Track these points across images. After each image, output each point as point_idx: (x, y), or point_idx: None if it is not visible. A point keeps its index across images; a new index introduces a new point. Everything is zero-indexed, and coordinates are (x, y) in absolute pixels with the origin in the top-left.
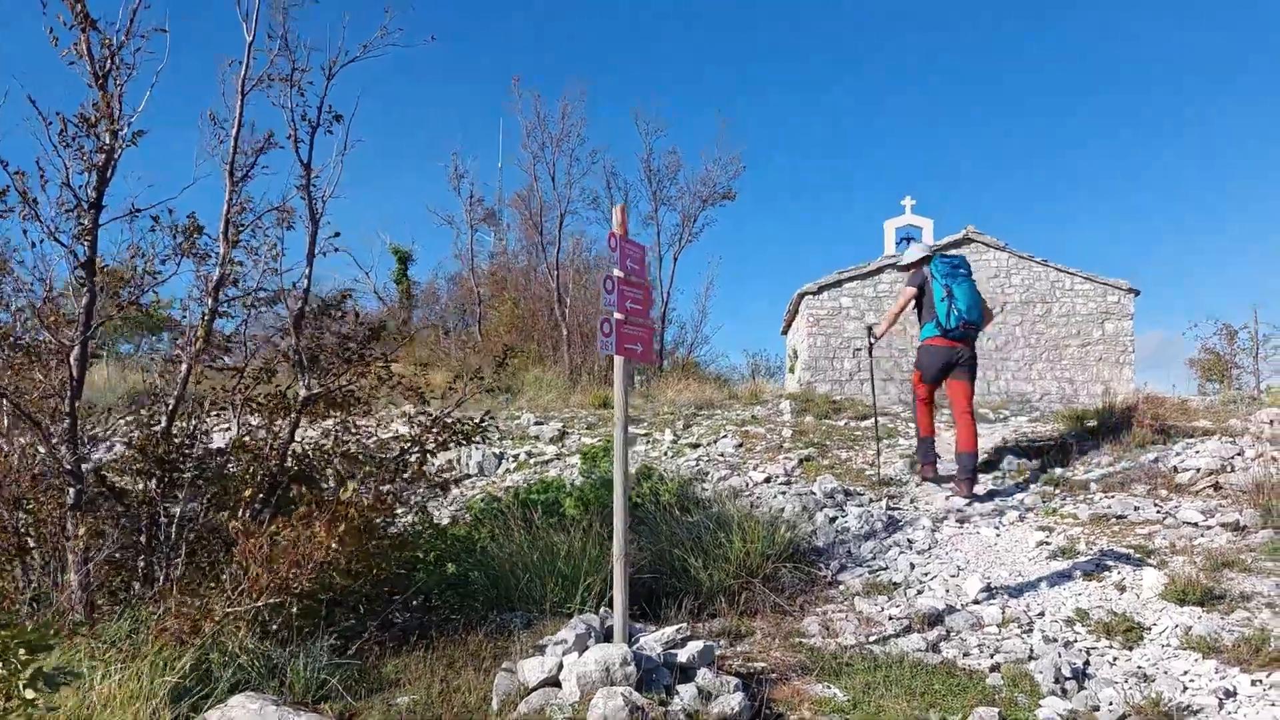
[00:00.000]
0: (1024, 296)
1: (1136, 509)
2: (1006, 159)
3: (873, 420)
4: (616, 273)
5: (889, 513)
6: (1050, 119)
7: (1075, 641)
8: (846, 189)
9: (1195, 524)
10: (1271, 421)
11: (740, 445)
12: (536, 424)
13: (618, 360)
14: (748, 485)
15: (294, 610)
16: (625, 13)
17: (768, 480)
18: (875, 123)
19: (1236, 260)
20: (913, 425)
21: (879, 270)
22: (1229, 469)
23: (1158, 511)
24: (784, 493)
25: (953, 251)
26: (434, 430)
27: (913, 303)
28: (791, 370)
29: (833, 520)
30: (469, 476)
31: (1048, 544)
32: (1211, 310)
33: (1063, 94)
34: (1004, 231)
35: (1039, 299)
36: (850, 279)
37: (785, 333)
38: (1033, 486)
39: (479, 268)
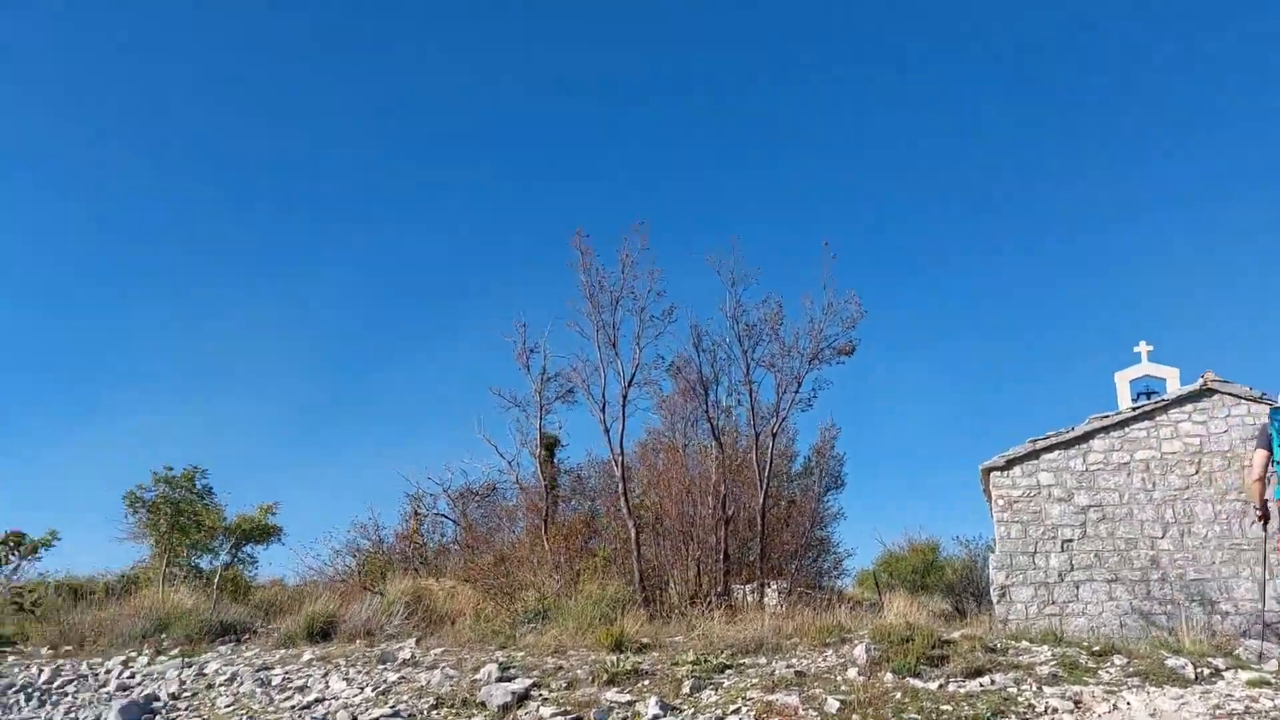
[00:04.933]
0: None
1: None
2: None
3: (1011, 676)
4: None
5: None
6: None
7: None
8: (1046, 335)
9: None
10: None
11: None
12: (499, 679)
13: None
14: None
15: None
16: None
17: None
18: (1090, 254)
19: None
20: None
21: (1088, 435)
22: None
23: None
24: None
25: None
26: None
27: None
28: None
29: None
30: None
31: None
32: None
33: None
34: (1262, 378)
35: None
36: (1049, 448)
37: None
38: None
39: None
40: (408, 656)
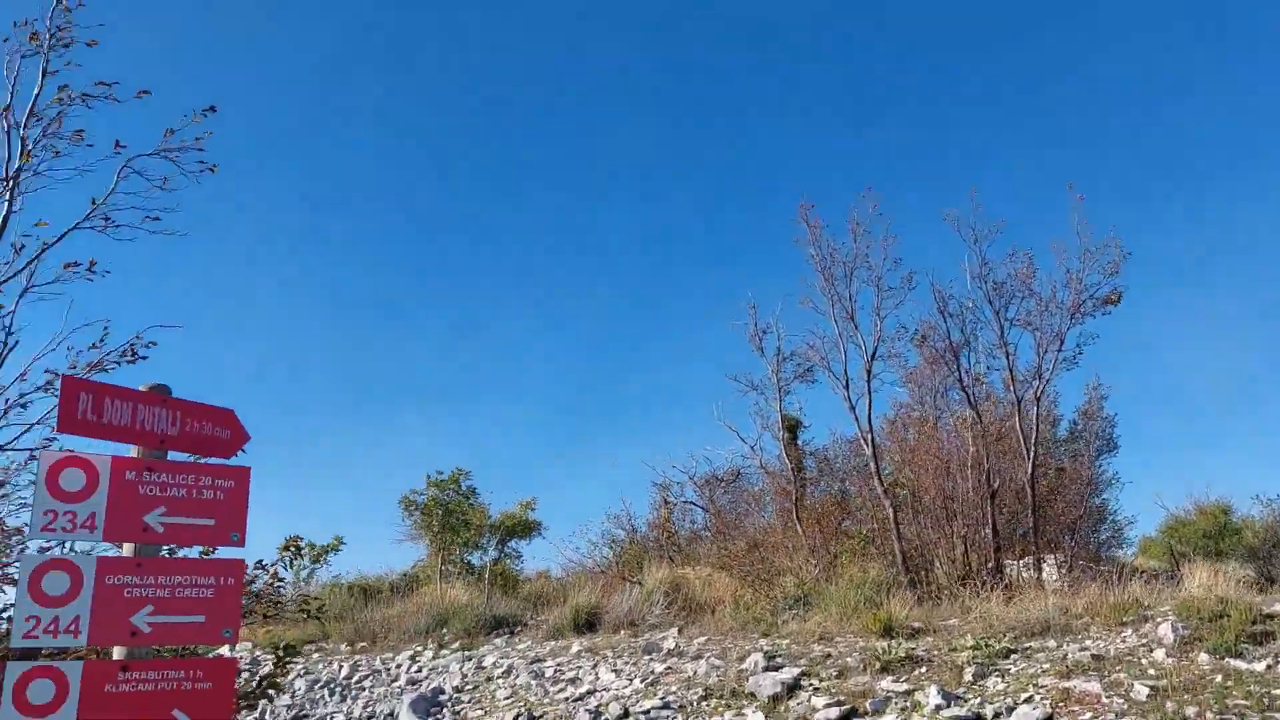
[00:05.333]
0: None
1: None
2: None
3: None
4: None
5: None
6: None
7: None
8: None
9: None
10: None
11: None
12: (766, 669)
13: None
14: None
15: None
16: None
17: None
18: None
19: None
20: None
21: None
22: None
23: None
24: None
25: None
26: None
27: None
28: None
29: None
30: None
31: None
32: None
33: None
34: None
35: None
36: None
37: None
38: None
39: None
40: (671, 646)
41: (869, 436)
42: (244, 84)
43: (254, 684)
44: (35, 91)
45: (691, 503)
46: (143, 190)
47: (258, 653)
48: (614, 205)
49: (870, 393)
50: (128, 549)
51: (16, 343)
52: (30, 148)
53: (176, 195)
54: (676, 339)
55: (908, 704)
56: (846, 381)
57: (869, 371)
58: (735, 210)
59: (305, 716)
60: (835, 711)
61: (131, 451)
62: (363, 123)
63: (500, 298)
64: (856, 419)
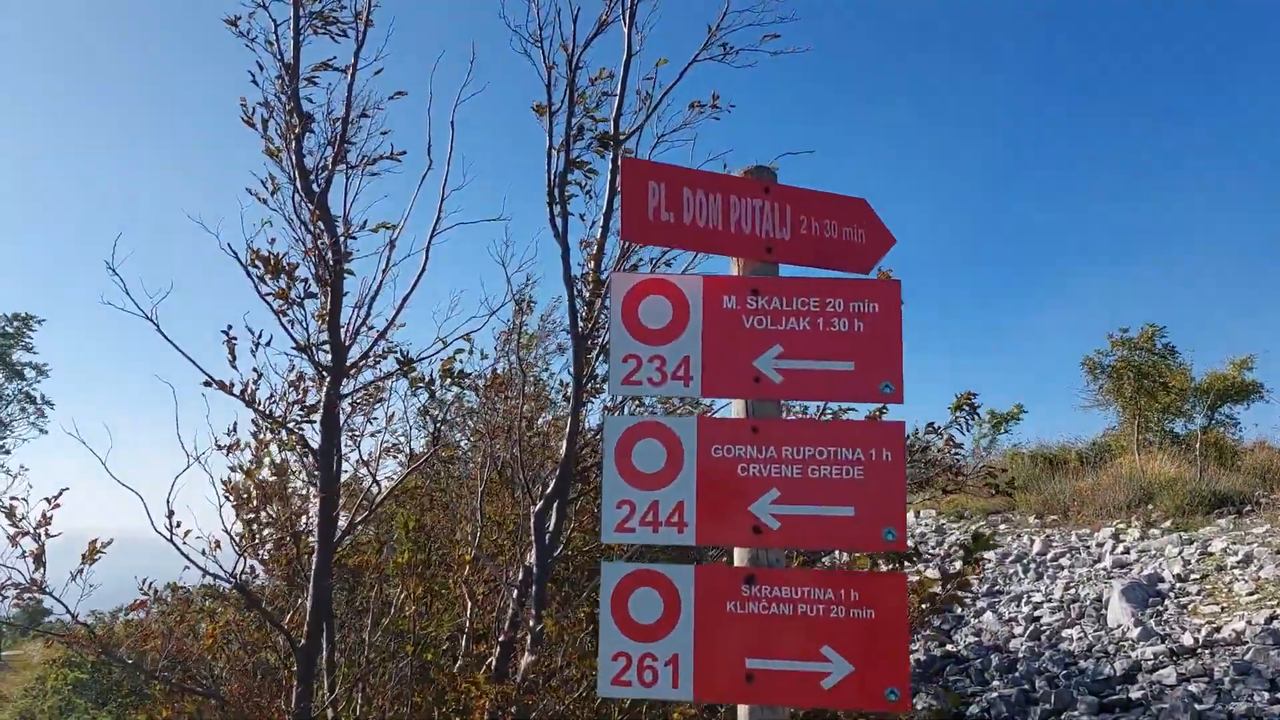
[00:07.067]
0: None
1: None
2: None
3: None
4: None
5: None
6: None
7: None
8: None
9: None
10: None
11: None
12: None
13: None
14: None
15: None
16: None
17: None
18: None
19: None
20: None
21: None
22: None
23: None
24: None
25: None
26: None
27: None
28: None
29: None
30: None
31: None
32: None
33: None
34: None
35: None
36: None
37: None
38: None
39: None
40: None
41: None
42: None
43: (940, 584)
44: None
45: None
46: (755, 7)
47: (942, 521)
48: None
49: None
50: (736, 408)
51: None
52: None
53: (791, 4)
54: None
55: None
56: None
57: None
58: None
59: (1000, 591)
60: None
61: (731, 268)
62: None
63: (1169, 137)
64: None
